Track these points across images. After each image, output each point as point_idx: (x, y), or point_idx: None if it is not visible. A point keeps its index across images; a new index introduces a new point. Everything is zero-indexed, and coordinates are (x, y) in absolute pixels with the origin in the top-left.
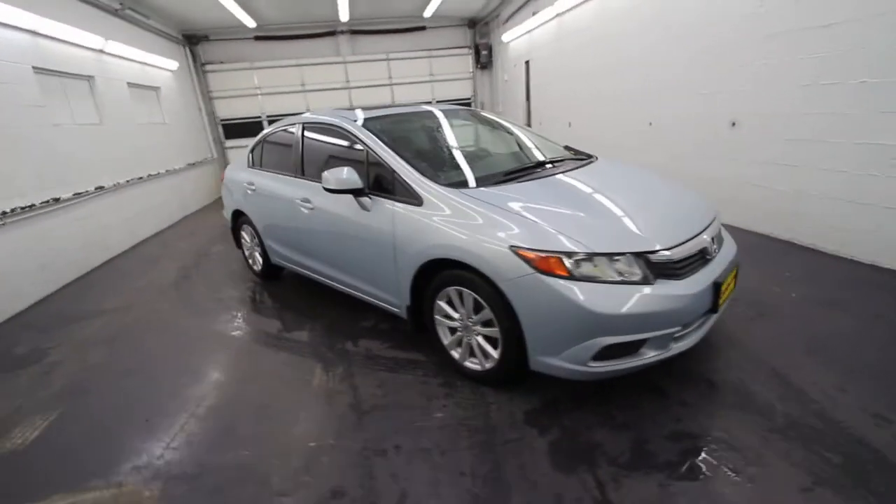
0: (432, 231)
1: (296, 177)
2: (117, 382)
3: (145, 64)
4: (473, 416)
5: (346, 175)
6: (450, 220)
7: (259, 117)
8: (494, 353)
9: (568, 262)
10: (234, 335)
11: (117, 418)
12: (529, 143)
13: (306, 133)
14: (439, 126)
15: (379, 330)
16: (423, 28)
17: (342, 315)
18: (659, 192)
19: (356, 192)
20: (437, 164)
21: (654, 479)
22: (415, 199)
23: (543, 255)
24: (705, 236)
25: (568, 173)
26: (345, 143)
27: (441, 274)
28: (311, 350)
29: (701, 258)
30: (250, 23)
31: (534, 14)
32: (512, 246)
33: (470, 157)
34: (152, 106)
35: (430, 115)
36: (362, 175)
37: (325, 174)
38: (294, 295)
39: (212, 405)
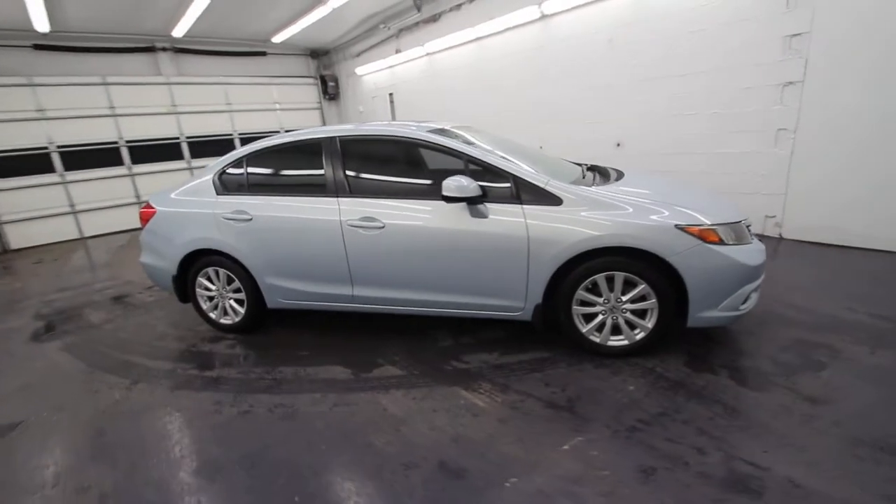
0: (585, 225)
1: (338, 196)
2: None
3: None
4: (658, 381)
5: (466, 183)
6: (600, 214)
7: (46, 148)
8: (648, 324)
9: (721, 231)
10: (338, 408)
11: None
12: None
13: (349, 147)
14: (472, 139)
15: (467, 344)
16: (263, 53)
17: (401, 341)
18: (691, 187)
19: (472, 200)
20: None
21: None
22: (551, 199)
23: (704, 228)
24: None
25: (629, 176)
26: (420, 153)
27: (586, 264)
28: (426, 381)
29: None
30: (43, 25)
31: (397, 51)
32: (677, 225)
33: (534, 162)
34: None
35: (446, 131)
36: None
37: (449, 182)
38: (302, 338)
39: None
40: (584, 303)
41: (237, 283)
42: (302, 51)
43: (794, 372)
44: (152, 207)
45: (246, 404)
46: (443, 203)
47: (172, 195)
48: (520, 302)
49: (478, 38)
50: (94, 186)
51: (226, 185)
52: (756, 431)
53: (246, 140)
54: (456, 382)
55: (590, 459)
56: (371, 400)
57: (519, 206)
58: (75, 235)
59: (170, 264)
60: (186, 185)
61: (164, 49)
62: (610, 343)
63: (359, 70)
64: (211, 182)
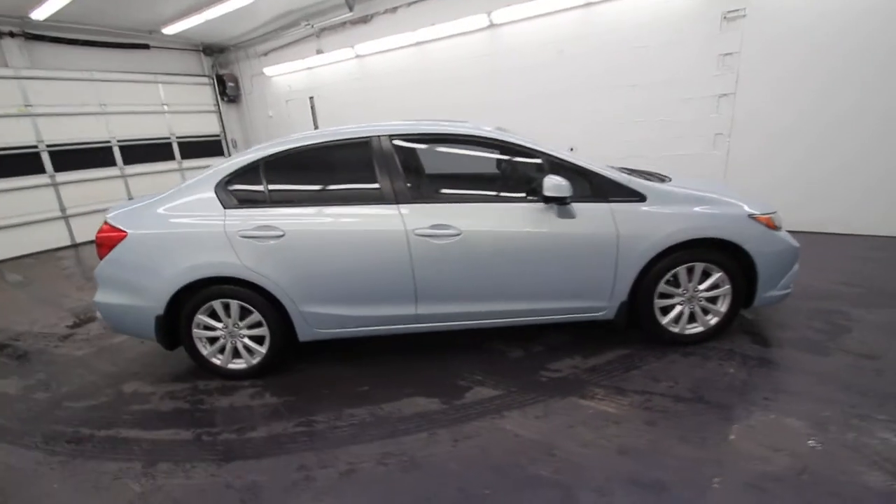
0: (672, 219)
1: (398, 202)
2: None
3: None
4: (746, 360)
5: (563, 182)
6: (683, 208)
7: None
8: (721, 309)
9: (775, 219)
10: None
11: None
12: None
13: (405, 147)
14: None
15: (540, 352)
16: (146, 46)
17: (464, 359)
18: (718, 182)
19: (564, 201)
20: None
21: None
22: (635, 196)
23: (767, 216)
24: None
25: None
26: (491, 153)
27: (672, 256)
28: (532, 396)
29: None
30: None
31: (319, 52)
32: (750, 214)
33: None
34: None
35: (507, 130)
36: (534, 181)
37: (549, 182)
38: (343, 371)
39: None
40: (662, 295)
41: (255, 317)
42: (193, 46)
43: (834, 336)
44: (119, 230)
45: (340, 462)
46: (525, 204)
47: (158, 210)
48: (604, 301)
49: (418, 43)
50: None
51: (236, 196)
52: (860, 391)
53: (129, 148)
54: (565, 392)
55: (765, 441)
56: (491, 427)
57: (605, 203)
58: None
59: (152, 302)
60: (171, 201)
61: (11, 34)
62: (687, 332)
63: (268, 70)
64: (213, 194)
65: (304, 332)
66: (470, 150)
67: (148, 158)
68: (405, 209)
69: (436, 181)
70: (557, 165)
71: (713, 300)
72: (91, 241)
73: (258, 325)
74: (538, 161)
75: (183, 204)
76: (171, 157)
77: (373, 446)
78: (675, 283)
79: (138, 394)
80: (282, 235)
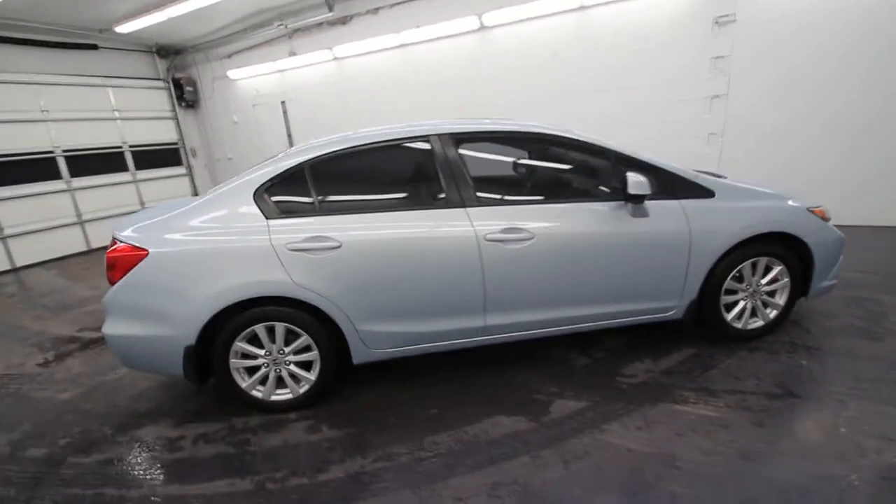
0: (741, 214)
1: (465, 206)
2: None
3: None
4: (813, 351)
5: (644, 179)
6: (750, 203)
7: None
8: (780, 302)
9: (826, 211)
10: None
11: None
12: None
13: (468, 147)
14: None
15: (604, 358)
16: (94, 47)
17: (527, 371)
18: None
19: (640, 199)
20: None
21: None
22: (703, 192)
23: (820, 209)
24: None
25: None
26: (549, 152)
27: (738, 252)
28: (622, 405)
29: None
30: None
31: (292, 54)
32: (808, 208)
33: None
34: None
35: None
36: (609, 180)
37: (633, 179)
38: (398, 394)
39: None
40: (727, 291)
41: (303, 339)
42: (146, 47)
43: (876, 321)
44: (138, 248)
45: (446, 499)
46: (598, 204)
47: (185, 223)
48: (674, 300)
49: (402, 45)
50: None
51: (279, 204)
52: None
53: (75, 159)
54: (655, 399)
55: (874, 432)
56: (596, 443)
57: (676, 200)
58: None
59: (180, 330)
60: (201, 214)
61: None
62: (749, 327)
63: (233, 73)
64: (252, 204)
65: (360, 354)
66: (535, 149)
67: (99, 170)
68: (474, 213)
69: (502, 182)
70: (627, 163)
71: (772, 294)
72: (40, 263)
73: (306, 349)
74: (604, 160)
75: (216, 216)
76: (125, 168)
77: (475, 477)
78: (738, 278)
79: (162, 439)
80: (338, 247)
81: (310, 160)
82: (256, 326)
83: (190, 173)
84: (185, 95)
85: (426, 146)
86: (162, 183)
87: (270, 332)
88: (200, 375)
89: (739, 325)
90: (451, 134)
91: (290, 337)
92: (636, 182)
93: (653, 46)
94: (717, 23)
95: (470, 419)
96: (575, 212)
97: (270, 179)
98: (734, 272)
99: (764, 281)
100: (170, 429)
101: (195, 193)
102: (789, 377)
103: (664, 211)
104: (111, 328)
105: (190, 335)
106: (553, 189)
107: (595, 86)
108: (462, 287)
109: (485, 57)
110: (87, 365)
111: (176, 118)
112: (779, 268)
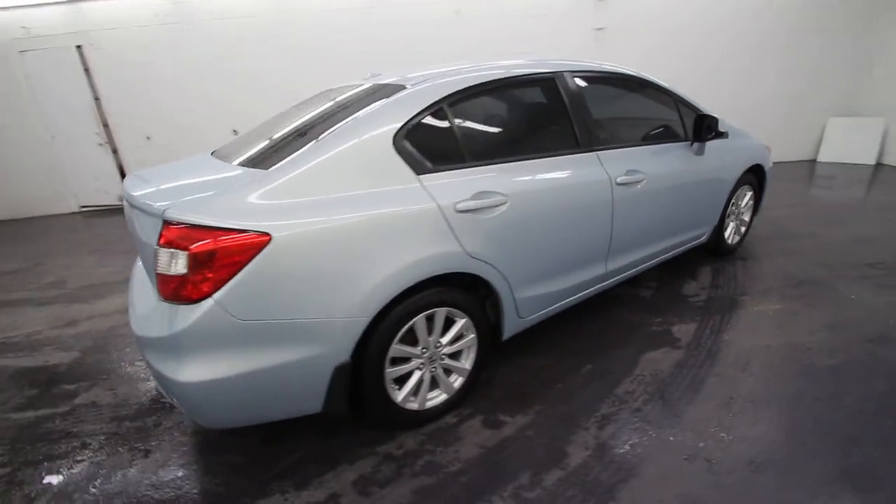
0: (743, 150)
1: (593, 148)
2: None
3: None
4: (779, 257)
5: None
6: (743, 142)
7: None
8: (747, 218)
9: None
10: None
11: None
12: None
13: (583, 87)
14: None
15: (661, 287)
16: None
17: (614, 309)
18: None
19: (706, 140)
20: None
21: None
22: (723, 134)
23: (768, 146)
24: None
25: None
26: (637, 95)
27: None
28: (725, 314)
29: None
30: None
31: None
32: (765, 145)
33: None
34: None
35: None
36: (680, 124)
37: (721, 122)
38: (529, 356)
39: None
40: (728, 215)
41: (464, 323)
42: None
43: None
44: (253, 234)
45: (699, 428)
46: (676, 144)
47: (297, 189)
48: (706, 227)
49: None
50: None
51: (427, 153)
52: None
53: None
54: (730, 308)
55: None
56: (744, 348)
57: (716, 141)
58: None
59: (328, 345)
60: (313, 176)
61: None
62: (733, 243)
63: None
64: (394, 154)
65: (511, 327)
66: (634, 92)
67: None
68: (603, 156)
69: (614, 125)
70: (689, 108)
71: (746, 211)
72: None
73: (457, 339)
74: (677, 105)
75: (339, 173)
76: None
77: (701, 405)
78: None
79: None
80: (505, 202)
81: (448, 95)
82: (417, 318)
83: None
84: None
85: (553, 84)
86: None
87: (429, 322)
88: (351, 403)
89: (732, 243)
90: (573, 72)
91: (447, 326)
92: (721, 125)
93: (554, 14)
94: None
95: (629, 363)
96: (663, 152)
97: (409, 119)
98: (733, 199)
99: (742, 203)
100: (316, 489)
101: None
102: (796, 273)
103: (710, 150)
104: (202, 371)
105: (344, 349)
106: (644, 131)
107: (496, 50)
108: (596, 234)
109: (375, 6)
110: (92, 405)
111: None
112: (750, 192)
